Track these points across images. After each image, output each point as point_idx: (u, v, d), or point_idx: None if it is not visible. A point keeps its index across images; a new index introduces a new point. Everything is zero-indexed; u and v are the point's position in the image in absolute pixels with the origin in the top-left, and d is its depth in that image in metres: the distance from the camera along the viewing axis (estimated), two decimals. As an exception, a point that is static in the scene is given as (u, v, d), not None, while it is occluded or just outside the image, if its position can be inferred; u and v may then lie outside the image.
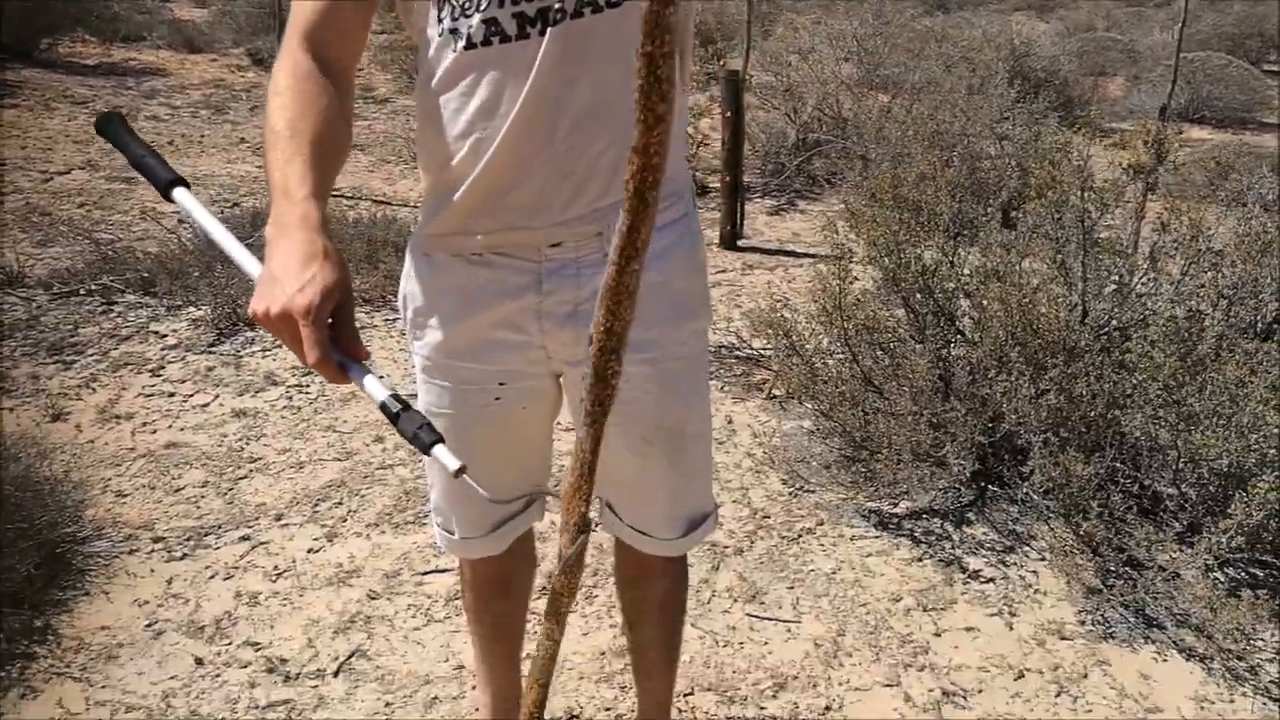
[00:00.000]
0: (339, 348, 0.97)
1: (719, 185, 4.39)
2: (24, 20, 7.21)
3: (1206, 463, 2.15)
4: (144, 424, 2.79)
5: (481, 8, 1.08)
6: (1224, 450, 2.07)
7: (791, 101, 5.65)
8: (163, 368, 3.07)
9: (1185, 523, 2.26)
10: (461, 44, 1.11)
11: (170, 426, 2.78)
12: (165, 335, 3.26)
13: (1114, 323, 2.44)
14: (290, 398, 2.94)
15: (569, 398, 1.35)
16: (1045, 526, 2.35)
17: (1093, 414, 2.28)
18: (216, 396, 2.94)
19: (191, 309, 3.41)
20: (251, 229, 3.59)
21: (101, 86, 6.89)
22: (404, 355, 3.17)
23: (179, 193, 1.19)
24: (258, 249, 1.04)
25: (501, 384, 1.27)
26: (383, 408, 0.95)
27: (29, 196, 4.49)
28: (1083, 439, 2.32)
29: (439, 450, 0.92)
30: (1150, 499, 2.34)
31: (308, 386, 3.00)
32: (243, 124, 6.33)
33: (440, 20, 1.11)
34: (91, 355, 3.12)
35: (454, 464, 0.91)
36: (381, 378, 0.99)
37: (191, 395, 2.94)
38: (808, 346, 2.69)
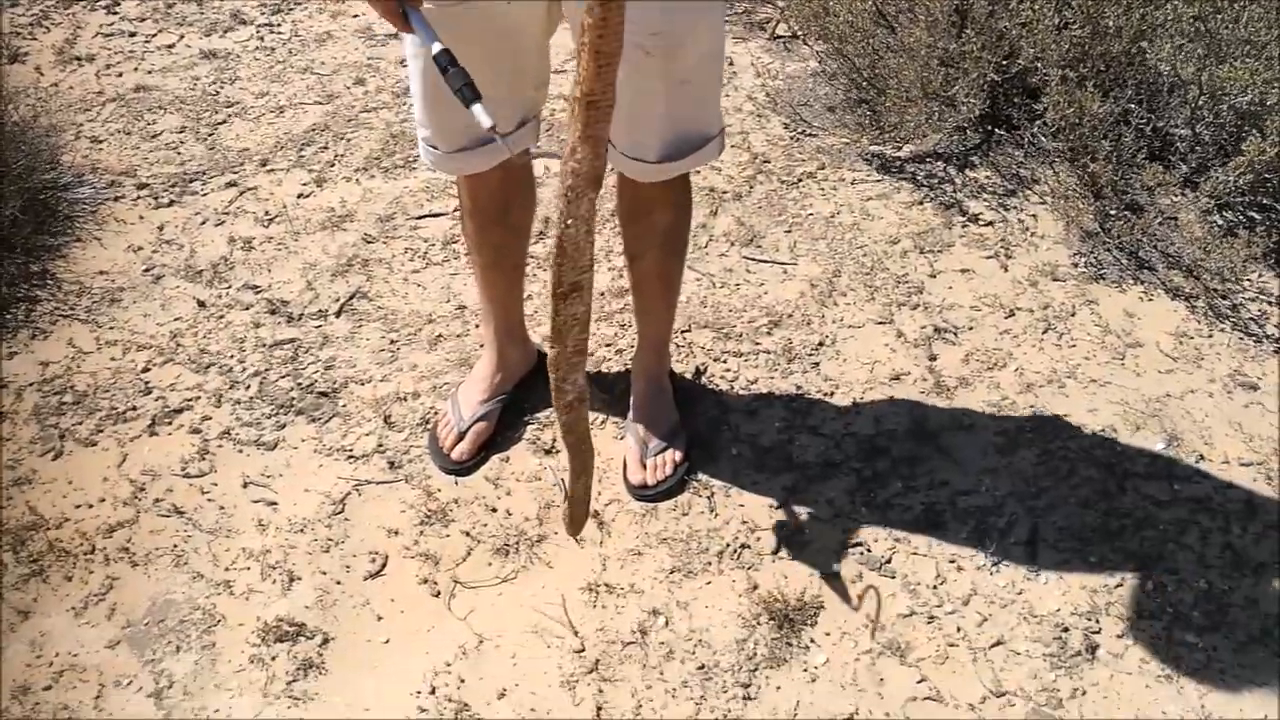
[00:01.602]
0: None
1: None
2: None
3: (1228, 99, 2.06)
4: (107, 66, 2.63)
5: None
6: (1249, 84, 1.97)
7: None
8: (118, 3, 2.84)
9: (1194, 165, 2.21)
10: None
11: (136, 69, 2.62)
12: (115, -33, 2.98)
13: (1154, -55, 2.23)
14: (262, 38, 2.75)
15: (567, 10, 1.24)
16: (1049, 170, 2.30)
17: (1116, 48, 2.15)
18: (182, 37, 2.74)
19: (139, -63, 3.09)
20: None
21: None
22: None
23: None
24: None
25: None
26: (435, 59, 1.07)
27: None
28: (1101, 77, 2.20)
29: (476, 108, 1.04)
30: (1161, 141, 2.27)
31: (279, 26, 2.79)
32: None
33: None
34: (38, -10, 2.87)
35: (487, 122, 1.02)
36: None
37: (154, 35, 2.75)
38: (817, -25, 2.48)
